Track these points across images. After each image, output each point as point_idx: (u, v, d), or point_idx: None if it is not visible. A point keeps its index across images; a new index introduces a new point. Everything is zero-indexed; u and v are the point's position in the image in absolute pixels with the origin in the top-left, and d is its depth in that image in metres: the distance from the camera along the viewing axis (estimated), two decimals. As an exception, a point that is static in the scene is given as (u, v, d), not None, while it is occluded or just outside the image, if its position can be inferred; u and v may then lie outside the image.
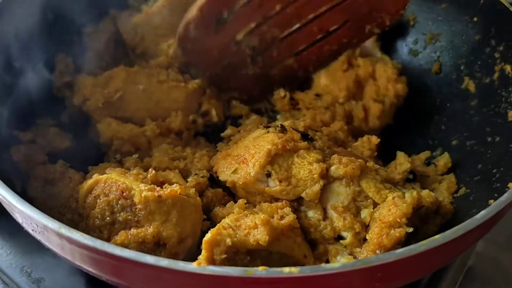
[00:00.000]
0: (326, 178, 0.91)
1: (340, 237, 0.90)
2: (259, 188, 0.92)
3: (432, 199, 0.90)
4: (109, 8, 1.28)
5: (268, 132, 0.99)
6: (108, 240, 0.85)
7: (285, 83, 1.23)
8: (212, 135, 1.20)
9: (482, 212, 0.73)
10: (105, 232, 0.87)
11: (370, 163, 0.95)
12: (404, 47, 1.30)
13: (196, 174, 1.02)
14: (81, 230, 0.84)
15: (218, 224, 0.83)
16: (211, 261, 0.76)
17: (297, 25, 1.15)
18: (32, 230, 0.78)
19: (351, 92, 1.17)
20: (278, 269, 0.65)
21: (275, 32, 1.16)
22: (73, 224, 0.90)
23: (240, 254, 0.80)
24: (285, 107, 1.21)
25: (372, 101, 1.17)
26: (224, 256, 0.76)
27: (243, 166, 0.94)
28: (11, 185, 0.79)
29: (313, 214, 0.91)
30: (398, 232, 0.83)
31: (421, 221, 0.91)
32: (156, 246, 0.85)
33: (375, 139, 1.08)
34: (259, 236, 0.80)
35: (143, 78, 1.16)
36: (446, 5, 1.22)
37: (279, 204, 0.91)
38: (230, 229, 0.82)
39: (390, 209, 0.86)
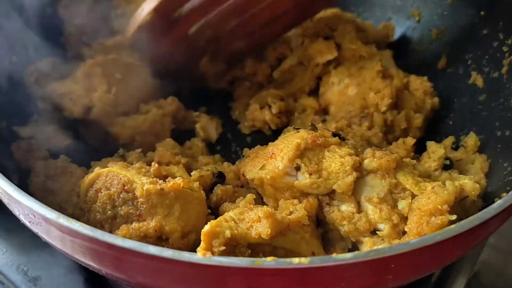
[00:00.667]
0: (360, 171, 0.87)
1: (376, 232, 0.85)
2: (288, 182, 0.88)
3: (478, 191, 0.86)
4: None
5: (298, 131, 0.96)
6: (110, 234, 0.83)
7: (233, 61, 1.27)
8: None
9: (499, 202, 0.70)
10: (107, 226, 0.85)
11: (407, 159, 0.92)
12: (410, 43, 1.29)
13: (201, 168, 0.99)
14: None
15: (220, 217, 0.81)
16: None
17: (248, 14, 1.17)
18: (30, 222, 0.75)
19: (394, 100, 1.13)
20: (287, 259, 0.62)
21: (227, 22, 1.18)
22: (75, 219, 0.86)
23: (241, 247, 0.77)
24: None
25: (413, 112, 1.14)
26: (222, 248, 0.74)
27: (271, 161, 0.90)
28: (8, 177, 0.76)
29: (346, 208, 0.87)
30: (440, 220, 0.78)
31: (466, 214, 0.84)
32: (158, 240, 0.82)
33: (410, 140, 1.06)
34: (261, 229, 0.77)
35: (116, 66, 1.14)
36: (451, 0, 1.20)
37: (295, 201, 0.87)
38: (232, 221, 0.79)
39: (430, 197, 0.81)
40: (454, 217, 0.78)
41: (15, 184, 0.75)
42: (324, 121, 1.17)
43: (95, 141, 1.11)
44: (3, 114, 1.01)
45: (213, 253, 0.73)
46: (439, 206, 0.79)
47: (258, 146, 1.05)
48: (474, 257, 1.06)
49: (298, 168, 0.88)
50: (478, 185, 0.87)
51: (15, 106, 1.05)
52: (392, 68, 1.19)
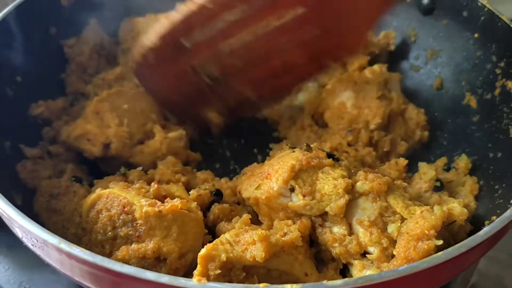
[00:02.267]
0: (352, 193, 0.89)
1: (366, 254, 0.87)
2: (282, 203, 0.90)
3: (465, 216, 0.87)
4: (89, 18, 1.28)
5: (293, 151, 0.98)
6: (110, 255, 0.85)
7: (241, 112, 1.22)
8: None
9: (485, 229, 0.72)
10: (107, 247, 0.87)
11: (398, 181, 0.94)
12: (405, 63, 1.31)
13: (199, 187, 1.02)
14: (85, 245, 0.87)
15: (216, 239, 0.83)
16: (206, 276, 0.75)
17: (258, 57, 1.10)
18: (32, 245, 0.78)
19: (384, 122, 1.15)
20: (280, 286, 0.64)
21: (236, 60, 1.10)
22: (76, 238, 0.90)
23: (236, 270, 0.79)
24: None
25: (399, 138, 1.16)
26: (218, 271, 0.76)
27: (267, 181, 0.93)
28: (11, 199, 0.78)
29: (338, 230, 0.88)
30: (426, 245, 0.79)
31: (454, 238, 0.87)
32: (156, 261, 0.84)
33: (403, 161, 1.08)
34: (256, 252, 0.79)
35: (121, 97, 1.15)
36: (447, 22, 1.22)
37: (289, 221, 0.89)
38: (228, 244, 0.81)
39: (418, 222, 0.83)
40: (440, 242, 0.80)
41: (18, 205, 0.77)
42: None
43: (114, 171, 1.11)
44: (8, 134, 1.02)
45: (209, 277, 0.75)
46: (426, 231, 0.81)
47: (255, 164, 1.07)
48: (471, 268, 1.08)
49: (292, 190, 0.90)
50: (465, 210, 0.88)
51: (21, 130, 1.07)
52: (395, 92, 1.20)
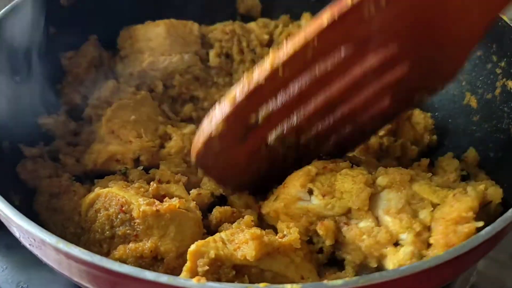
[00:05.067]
0: (373, 187, 0.85)
1: (398, 244, 0.82)
2: (302, 207, 0.87)
3: (500, 195, 0.83)
4: (90, 35, 1.28)
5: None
6: (108, 254, 0.85)
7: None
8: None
9: (487, 229, 0.71)
10: (105, 246, 0.87)
11: (422, 173, 0.91)
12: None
13: (200, 187, 1.01)
14: (83, 244, 0.87)
15: (209, 237, 0.82)
16: (195, 272, 0.75)
17: (342, 114, 0.92)
18: (30, 244, 0.77)
19: (393, 127, 1.13)
20: (280, 286, 0.63)
21: (314, 126, 0.93)
22: (75, 237, 0.90)
23: (225, 268, 0.78)
24: None
25: (409, 143, 1.14)
26: (206, 268, 0.75)
27: (284, 190, 0.90)
28: (9, 199, 0.78)
29: (365, 224, 0.83)
30: (467, 228, 0.74)
31: (490, 219, 0.78)
32: (154, 260, 0.84)
33: (425, 161, 1.06)
34: (247, 251, 0.78)
35: (125, 110, 1.15)
36: (447, 21, 1.22)
37: (290, 223, 0.88)
38: (221, 242, 0.80)
39: (453, 205, 0.78)
40: (481, 223, 0.75)
41: (16, 205, 0.77)
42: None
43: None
44: (7, 134, 1.02)
45: (197, 273, 0.75)
46: (464, 214, 0.76)
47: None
48: (471, 268, 1.07)
49: (311, 192, 0.88)
50: (500, 189, 0.84)
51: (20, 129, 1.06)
52: None
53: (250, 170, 0.97)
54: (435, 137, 1.17)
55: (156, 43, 1.25)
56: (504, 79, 1.06)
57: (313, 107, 0.88)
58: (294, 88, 0.85)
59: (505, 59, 1.07)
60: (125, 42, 1.28)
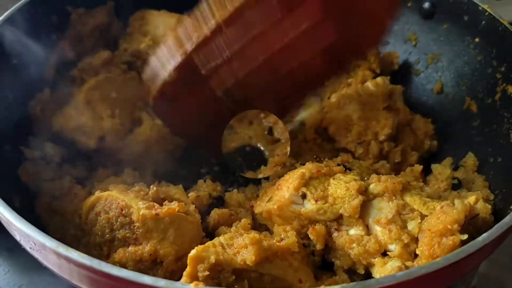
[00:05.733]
0: (366, 195, 0.87)
1: (386, 254, 0.84)
2: (294, 211, 0.89)
3: (489, 209, 0.85)
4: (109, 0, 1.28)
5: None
6: (108, 257, 0.86)
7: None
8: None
9: (484, 235, 0.72)
10: (105, 249, 0.87)
11: (414, 182, 0.92)
12: (406, 67, 1.31)
13: (198, 189, 1.02)
14: (84, 246, 0.87)
15: (209, 242, 0.82)
16: (195, 278, 0.75)
17: (280, 73, 1.03)
18: (30, 248, 0.78)
19: (394, 133, 1.13)
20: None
21: (258, 81, 1.03)
22: (76, 239, 0.90)
23: (225, 272, 0.78)
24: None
25: (409, 148, 1.14)
26: (206, 273, 0.76)
27: (278, 192, 0.92)
28: (10, 201, 0.78)
29: (355, 231, 0.86)
30: (451, 240, 0.76)
31: (478, 232, 0.82)
32: (153, 264, 0.85)
33: (418, 167, 1.06)
34: (247, 255, 0.78)
35: (109, 84, 1.14)
36: (447, 26, 1.22)
37: (287, 227, 0.89)
38: (220, 246, 0.81)
39: (439, 217, 0.79)
40: (465, 236, 0.77)
41: (17, 208, 0.77)
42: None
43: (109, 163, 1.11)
44: (7, 137, 1.02)
45: (198, 278, 0.75)
46: (449, 226, 0.77)
47: (267, 183, 1.06)
48: (472, 270, 1.07)
49: (304, 196, 0.89)
50: (489, 206, 0.86)
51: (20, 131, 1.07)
52: (399, 103, 1.19)
53: (201, 120, 1.08)
54: (435, 142, 1.17)
55: (162, 31, 1.26)
56: (504, 84, 1.07)
57: (255, 63, 0.99)
58: (236, 44, 0.95)
59: (505, 64, 1.07)
60: (136, 21, 1.29)
